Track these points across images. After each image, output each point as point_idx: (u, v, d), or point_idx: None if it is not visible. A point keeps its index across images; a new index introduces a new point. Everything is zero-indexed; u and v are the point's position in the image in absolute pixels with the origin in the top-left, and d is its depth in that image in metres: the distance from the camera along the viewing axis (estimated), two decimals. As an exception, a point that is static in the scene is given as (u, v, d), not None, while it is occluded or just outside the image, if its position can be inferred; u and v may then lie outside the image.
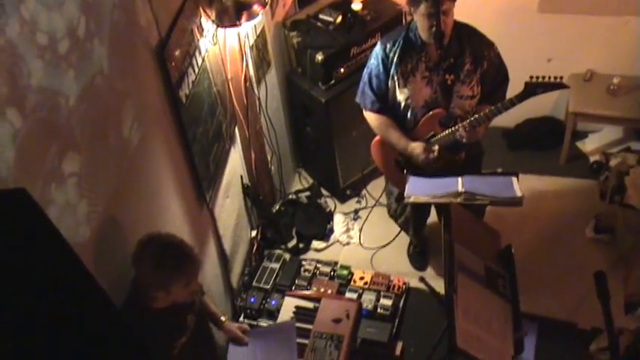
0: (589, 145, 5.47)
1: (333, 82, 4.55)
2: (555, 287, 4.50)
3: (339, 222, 5.04)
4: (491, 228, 3.48)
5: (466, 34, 3.62)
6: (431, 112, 3.71)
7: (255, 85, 4.22)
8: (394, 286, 3.79)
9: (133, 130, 2.81)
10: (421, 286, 4.19)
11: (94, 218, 2.50)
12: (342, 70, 4.55)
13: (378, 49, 3.73)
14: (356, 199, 5.25)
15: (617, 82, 5.04)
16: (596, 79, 5.16)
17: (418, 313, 4.19)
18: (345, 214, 5.14)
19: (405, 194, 3.50)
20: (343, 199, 5.23)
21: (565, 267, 4.64)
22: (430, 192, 3.44)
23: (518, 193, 3.33)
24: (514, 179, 3.50)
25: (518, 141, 5.55)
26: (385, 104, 3.78)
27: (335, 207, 5.21)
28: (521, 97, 3.43)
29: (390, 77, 3.69)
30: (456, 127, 3.63)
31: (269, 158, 4.64)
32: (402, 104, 3.75)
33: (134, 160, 2.84)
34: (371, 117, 3.85)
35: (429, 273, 4.70)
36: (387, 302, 3.69)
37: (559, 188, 5.18)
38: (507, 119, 5.48)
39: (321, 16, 4.62)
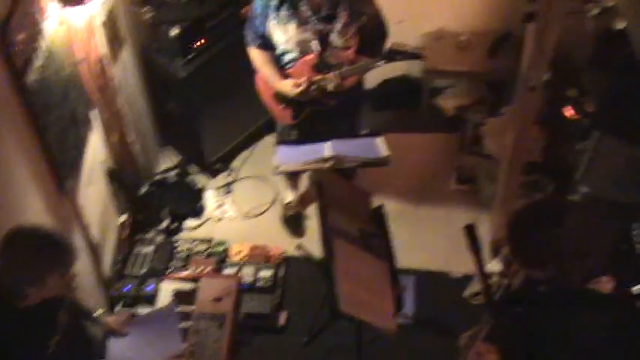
0: (445, 100, 5.65)
1: (191, 55, 4.44)
2: (426, 240, 4.65)
3: (210, 198, 4.96)
4: (362, 189, 3.56)
5: None
6: (304, 58, 3.83)
7: (109, 65, 4.05)
8: (272, 256, 3.81)
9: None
10: (300, 253, 4.23)
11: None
12: (199, 43, 4.45)
13: None
14: (226, 172, 5.17)
15: (464, 38, 5.23)
16: (446, 37, 5.33)
17: (300, 281, 4.23)
18: (217, 188, 5.06)
19: (274, 163, 3.51)
20: (213, 173, 5.14)
21: (434, 219, 4.81)
22: (299, 159, 3.46)
23: (385, 153, 3.41)
24: (379, 139, 3.60)
25: (379, 101, 5.66)
26: (265, 42, 3.90)
27: (205, 183, 5.12)
28: (384, 60, 3.71)
29: (270, 19, 3.79)
30: (326, 75, 3.78)
31: (132, 139, 4.49)
32: (280, 46, 3.87)
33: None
34: (251, 52, 3.98)
35: (308, 238, 4.72)
36: (266, 273, 3.71)
37: (422, 144, 5.35)
38: (368, 81, 5.64)
39: (172, -10, 4.48)
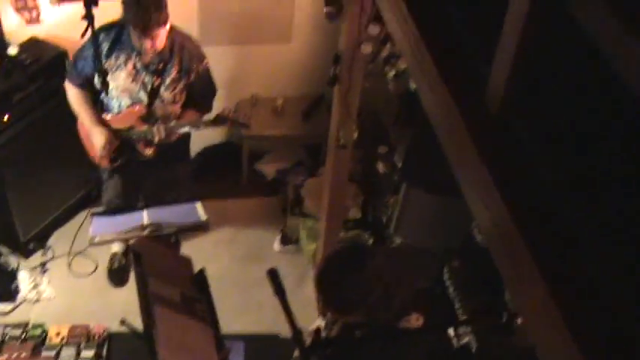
0: (265, 165, 5.78)
1: (-2, 131, 4.28)
2: (254, 302, 4.66)
3: (24, 279, 4.70)
4: (182, 255, 3.53)
5: (180, 44, 3.85)
6: (132, 108, 3.91)
7: None
8: (94, 335, 3.67)
9: None
10: (124, 328, 4.09)
11: None
12: (5, 117, 4.28)
13: (94, 38, 3.72)
14: (41, 251, 4.94)
15: (280, 103, 5.43)
16: (261, 102, 5.49)
17: (125, 357, 4.09)
18: (32, 269, 4.81)
19: (90, 234, 3.42)
20: (27, 253, 4.88)
21: (260, 282, 4.79)
22: (116, 229, 3.40)
23: (203, 217, 3.43)
24: (198, 204, 3.62)
25: (200, 169, 5.68)
26: (86, 82, 3.94)
27: (18, 264, 4.84)
28: (212, 124, 4.01)
29: (98, 64, 3.73)
30: (153, 127, 3.87)
31: None
32: (111, 93, 3.91)
33: None
34: (69, 88, 3.99)
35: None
36: (88, 354, 3.57)
37: (245, 209, 5.43)
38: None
39: (-26, 65, 4.32)
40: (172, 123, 3.91)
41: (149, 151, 4.04)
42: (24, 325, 3.68)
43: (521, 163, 1.85)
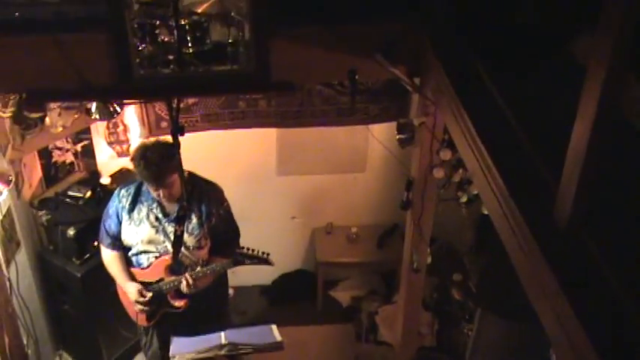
0: (340, 291, 5.83)
1: (87, 255, 4.51)
2: None
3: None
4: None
5: (198, 189, 3.87)
6: (159, 259, 3.88)
7: (3, 266, 4.05)
8: None
9: None
10: None
11: None
12: (95, 243, 4.52)
13: (115, 192, 3.97)
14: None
15: (354, 231, 5.55)
16: (336, 230, 5.63)
17: None
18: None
19: (170, 354, 3.50)
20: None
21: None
22: (194, 348, 3.48)
23: (278, 338, 3.50)
24: (273, 326, 3.69)
25: (276, 296, 5.78)
26: (117, 242, 3.95)
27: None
28: (232, 265, 3.87)
29: (122, 221, 3.88)
30: (180, 277, 3.83)
31: (24, 342, 4.38)
32: (134, 247, 3.91)
33: None
34: (103, 252, 4.02)
35: None
36: None
37: (319, 335, 5.43)
38: (263, 277, 5.80)
39: (69, 193, 4.63)
40: (197, 269, 3.84)
41: (180, 303, 3.94)
42: None
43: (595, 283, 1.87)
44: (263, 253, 3.86)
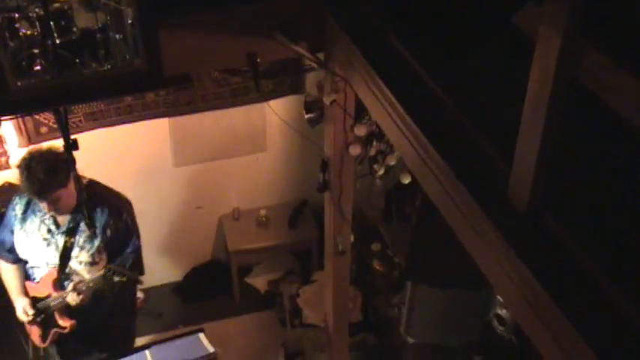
0: (256, 278, 5.62)
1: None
2: None
3: None
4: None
5: (96, 200, 3.52)
6: (48, 273, 3.62)
7: None
8: None
9: None
10: None
11: None
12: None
13: (12, 200, 3.67)
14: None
15: (263, 213, 5.32)
16: (244, 215, 5.39)
17: None
18: None
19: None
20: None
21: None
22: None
23: (211, 349, 3.27)
24: (200, 335, 3.46)
25: (190, 292, 5.51)
26: (12, 254, 3.69)
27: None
28: (103, 280, 3.47)
29: (15, 231, 3.62)
30: (65, 291, 3.56)
31: None
32: (28, 260, 3.67)
33: None
34: (1, 265, 3.76)
35: None
36: None
37: (242, 327, 5.22)
38: (173, 273, 5.52)
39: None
40: (77, 281, 3.53)
41: (66, 323, 3.63)
42: None
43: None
44: (134, 269, 3.60)
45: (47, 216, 3.52)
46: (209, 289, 5.51)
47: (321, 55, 3.23)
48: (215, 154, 5.12)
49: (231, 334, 5.12)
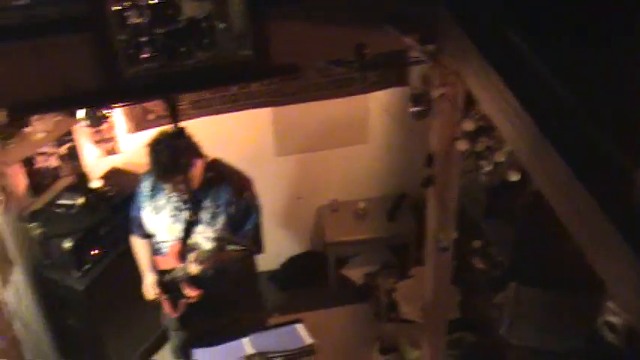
0: (352, 270, 5.60)
1: (88, 266, 4.22)
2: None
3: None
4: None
5: (217, 179, 3.67)
6: (173, 246, 3.75)
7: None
8: None
9: None
10: None
11: None
12: (95, 251, 4.25)
13: (140, 178, 3.83)
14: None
15: (362, 206, 5.28)
16: (342, 207, 5.37)
17: None
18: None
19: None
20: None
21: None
22: (221, 362, 3.23)
23: (308, 340, 3.26)
24: (298, 326, 3.46)
25: (286, 281, 5.54)
26: (141, 229, 3.87)
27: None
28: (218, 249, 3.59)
29: (144, 208, 3.77)
30: (187, 262, 3.67)
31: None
32: (156, 235, 3.82)
33: None
34: (132, 241, 3.94)
35: None
36: None
37: (336, 318, 5.20)
38: (271, 262, 5.55)
39: (60, 202, 4.31)
40: (198, 251, 3.65)
41: (192, 293, 3.77)
42: None
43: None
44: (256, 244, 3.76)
45: (173, 194, 3.65)
46: (305, 278, 5.53)
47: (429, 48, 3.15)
48: (316, 145, 5.12)
49: (325, 324, 5.09)
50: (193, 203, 3.66)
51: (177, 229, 3.73)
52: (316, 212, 5.48)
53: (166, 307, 3.94)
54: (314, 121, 5.01)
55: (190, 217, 3.67)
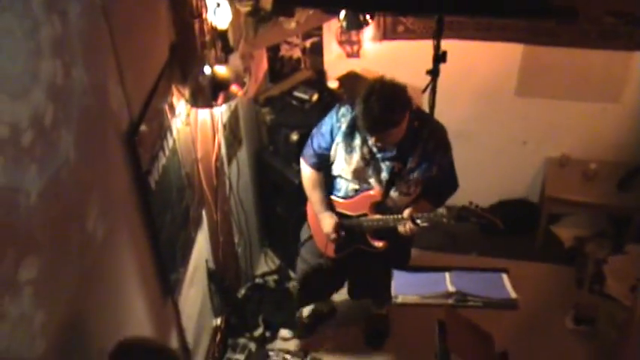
0: (563, 229, 5.31)
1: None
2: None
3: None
4: (485, 331, 3.20)
5: (425, 134, 3.42)
6: (364, 194, 3.60)
7: (225, 164, 3.96)
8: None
9: (98, 224, 2.51)
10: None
11: (51, 328, 2.18)
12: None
13: (334, 110, 3.58)
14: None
15: (593, 167, 4.94)
16: (571, 164, 5.06)
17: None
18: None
19: (393, 294, 3.23)
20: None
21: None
22: (417, 291, 3.18)
23: (513, 294, 3.12)
24: (505, 276, 3.31)
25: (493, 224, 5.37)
26: (321, 162, 3.67)
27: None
28: (455, 219, 3.32)
29: (335, 142, 3.55)
30: (399, 217, 3.49)
31: (236, 240, 4.35)
32: (340, 173, 3.63)
33: (98, 257, 2.52)
34: (304, 168, 3.76)
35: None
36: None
37: (535, 274, 4.99)
38: (480, 201, 5.38)
39: (295, 94, 4.41)
40: (425, 214, 3.41)
41: (380, 244, 3.70)
42: (302, 355, 3.66)
43: None
44: (495, 215, 3.36)
45: (377, 144, 3.43)
46: (512, 226, 5.28)
47: None
48: (561, 93, 4.81)
49: (523, 278, 4.87)
50: (393, 154, 3.45)
51: (367, 174, 3.54)
52: (543, 163, 5.20)
53: (329, 248, 3.85)
54: (565, 68, 4.67)
55: (393, 168, 3.46)
